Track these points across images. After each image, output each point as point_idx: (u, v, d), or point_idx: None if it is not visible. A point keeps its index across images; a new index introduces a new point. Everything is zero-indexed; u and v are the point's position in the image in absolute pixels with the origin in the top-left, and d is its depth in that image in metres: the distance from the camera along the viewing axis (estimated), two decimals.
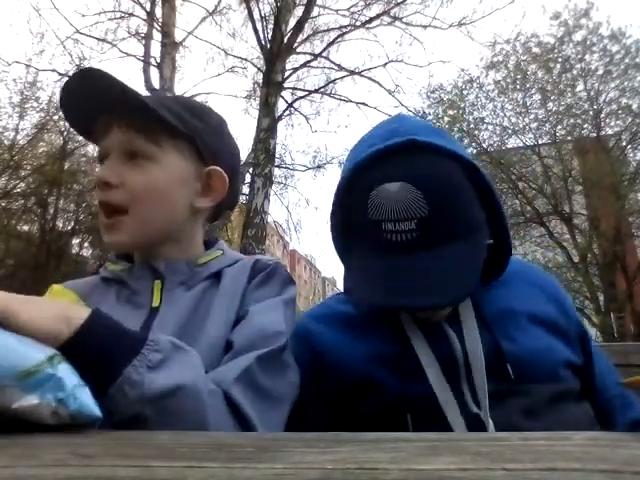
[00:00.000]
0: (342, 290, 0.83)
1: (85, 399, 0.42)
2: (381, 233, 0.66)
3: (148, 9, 7.80)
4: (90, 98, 0.68)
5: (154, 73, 7.37)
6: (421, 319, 0.73)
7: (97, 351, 0.47)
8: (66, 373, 0.42)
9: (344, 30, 8.39)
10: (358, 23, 8.32)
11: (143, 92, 0.76)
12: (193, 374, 0.52)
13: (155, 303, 0.68)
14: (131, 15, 8.08)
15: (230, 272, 0.73)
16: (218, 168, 0.76)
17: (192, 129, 0.72)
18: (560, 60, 10.89)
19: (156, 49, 7.58)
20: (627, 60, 10.48)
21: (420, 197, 0.64)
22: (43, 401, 0.39)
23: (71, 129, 11.81)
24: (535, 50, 10.87)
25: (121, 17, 8.06)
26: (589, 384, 0.75)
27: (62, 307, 0.49)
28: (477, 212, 0.69)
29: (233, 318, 0.66)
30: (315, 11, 8.03)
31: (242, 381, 0.56)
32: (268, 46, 7.22)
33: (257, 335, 0.62)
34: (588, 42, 10.73)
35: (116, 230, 0.69)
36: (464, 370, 0.69)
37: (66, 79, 0.69)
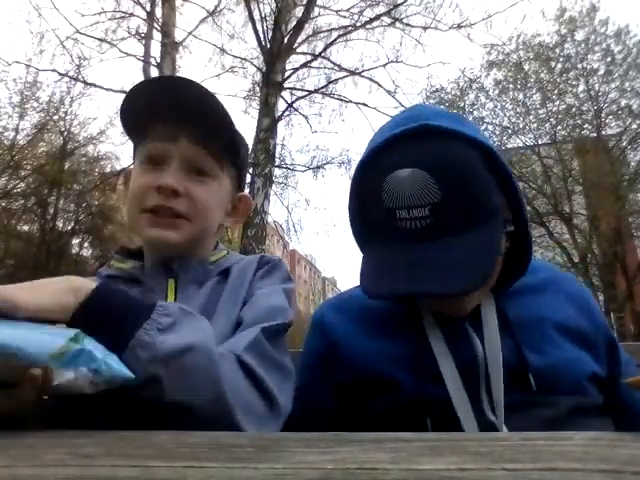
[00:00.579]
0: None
1: (115, 365, 0.45)
2: (396, 221, 0.65)
3: (148, 9, 7.81)
4: (176, 107, 0.70)
5: (154, 73, 7.37)
6: (443, 318, 0.71)
7: (108, 317, 0.49)
8: (93, 346, 0.45)
9: (344, 30, 8.40)
10: (358, 24, 8.33)
11: None
12: (203, 335, 0.54)
13: (169, 301, 0.70)
14: (131, 15, 8.08)
15: (237, 267, 0.78)
16: (248, 195, 0.86)
17: (242, 160, 0.82)
18: (561, 59, 10.88)
19: (156, 49, 7.59)
20: (629, 60, 10.48)
21: (432, 182, 0.62)
22: (79, 374, 0.43)
23: (71, 129, 11.84)
24: (536, 49, 10.85)
25: (121, 17, 8.06)
26: (615, 396, 0.72)
27: (68, 280, 0.51)
28: (494, 197, 0.66)
29: (240, 307, 0.70)
30: (315, 11, 8.04)
31: (251, 350, 0.59)
32: (268, 46, 7.22)
33: (262, 313, 0.66)
34: (591, 41, 10.73)
35: (174, 228, 0.71)
36: (484, 376, 0.67)
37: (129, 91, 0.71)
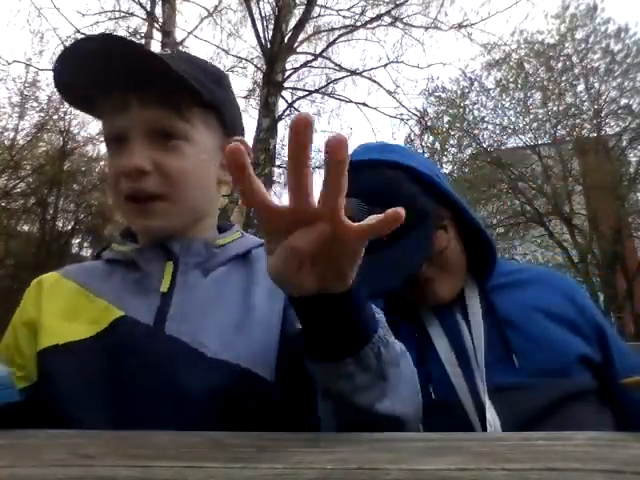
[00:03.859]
0: None
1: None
2: None
3: (148, 9, 7.80)
4: (103, 70, 0.60)
5: None
6: (437, 307, 0.79)
7: (361, 307, 0.45)
8: None
9: (345, 30, 8.40)
10: (359, 23, 8.32)
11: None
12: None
13: (164, 288, 0.63)
14: (131, 15, 8.07)
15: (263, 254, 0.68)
16: (242, 138, 0.73)
17: (216, 98, 0.67)
18: (562, 58, 10.86)
19: (156, 49, 7.57)
20: (629, 60, 10.47)
21: (362, 206, 0.74)
22: None
23: (71, 129, 11.82)
24: (537, 47, 10.84)
25: (121, 17, 8.05)
26: (610, 386, 0.74)
27: None
28: (422, 203, 0.76)
29: (282, 304, 0.62)
30: (316, 11, 8.04)
31: None
32: (268, 46, 7.22)
33: None
34: (591, 39, 10.72)
35: (153, 215, 0.63)
36: (474, 354, 0.73)
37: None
